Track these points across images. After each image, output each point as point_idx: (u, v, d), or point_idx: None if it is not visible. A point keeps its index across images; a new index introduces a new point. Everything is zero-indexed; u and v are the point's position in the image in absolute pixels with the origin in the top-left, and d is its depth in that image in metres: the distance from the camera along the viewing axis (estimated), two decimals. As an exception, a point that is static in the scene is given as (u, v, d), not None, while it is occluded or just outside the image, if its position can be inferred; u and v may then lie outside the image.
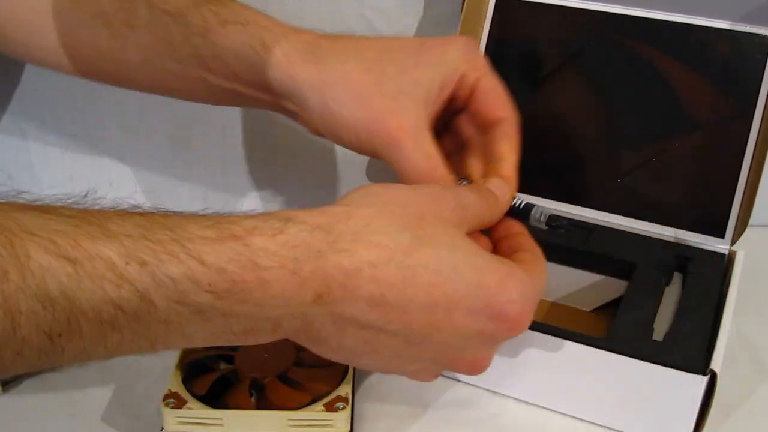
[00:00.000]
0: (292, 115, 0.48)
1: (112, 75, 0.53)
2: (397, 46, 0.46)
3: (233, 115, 0.70)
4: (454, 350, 0.40)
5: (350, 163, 0.73)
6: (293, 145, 0.72)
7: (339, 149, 0.72)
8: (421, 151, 0.43)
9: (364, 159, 0.72)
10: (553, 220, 0.46)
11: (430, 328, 0.37)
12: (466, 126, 0.49)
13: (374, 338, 0.38)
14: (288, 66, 0.44)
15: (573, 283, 0.59)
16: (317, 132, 0.47)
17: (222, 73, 0.47)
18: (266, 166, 0.73)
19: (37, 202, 0.37)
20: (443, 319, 0.37)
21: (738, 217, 0.57)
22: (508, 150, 0.47)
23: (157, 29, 0.48)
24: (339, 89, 0.44)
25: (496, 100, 0.46)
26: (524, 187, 0.63)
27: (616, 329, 0.48)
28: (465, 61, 0.45)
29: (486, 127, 0.47)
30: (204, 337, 0.36)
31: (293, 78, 0.45)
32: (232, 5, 0.48)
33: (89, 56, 0.51)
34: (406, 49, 0.46)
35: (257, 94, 0.47)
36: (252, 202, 0.74)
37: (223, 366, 0.48)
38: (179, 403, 0.43)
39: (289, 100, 0.46)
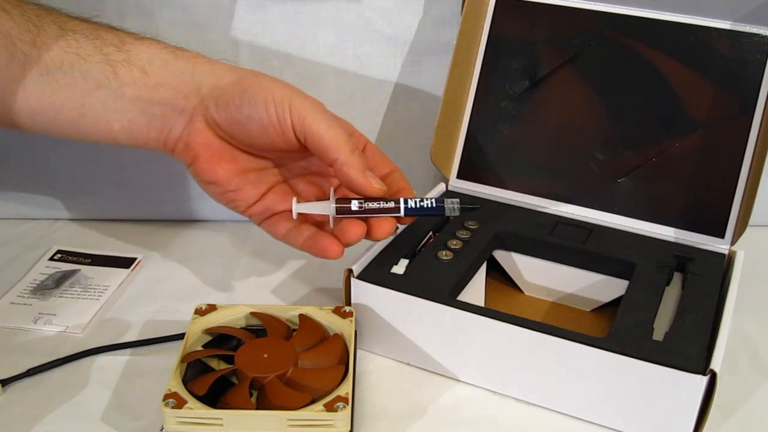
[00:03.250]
0: (198, 109, 0.51)
1: (10, 101, 0.50)
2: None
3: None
4: None
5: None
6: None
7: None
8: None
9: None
10: (465, 203, 0.51)
11: None
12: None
13: None
14: (206, 60, 0.52)
15: (573, 283, 0.59)
16: (228, 119, 0.50)
17: (129, 73, 0.49)
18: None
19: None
20: None
21: (738, 217, 0.57)
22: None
23: (65, 44, 0.49)
24: (258, 74, 0.51)
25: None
26: (525, 187, 0.63)
27: (616, 329, 0.48)
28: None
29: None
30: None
31: (212, 67, 0.52)
32: (136, 36, 0.51)
33: None
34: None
35: (162, 95, 0.50)
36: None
37: (223, 366, 0.49)
38: (179, 403, 0.43)
39: (200, 90, 0.50)
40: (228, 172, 0.51)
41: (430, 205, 0.50)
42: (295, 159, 0.53)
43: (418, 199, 0.50)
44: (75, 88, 0.49)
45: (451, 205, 0.50)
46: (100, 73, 0.49)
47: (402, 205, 0.49)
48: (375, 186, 0.49)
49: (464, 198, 0.60)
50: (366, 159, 0.50)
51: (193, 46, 0.67)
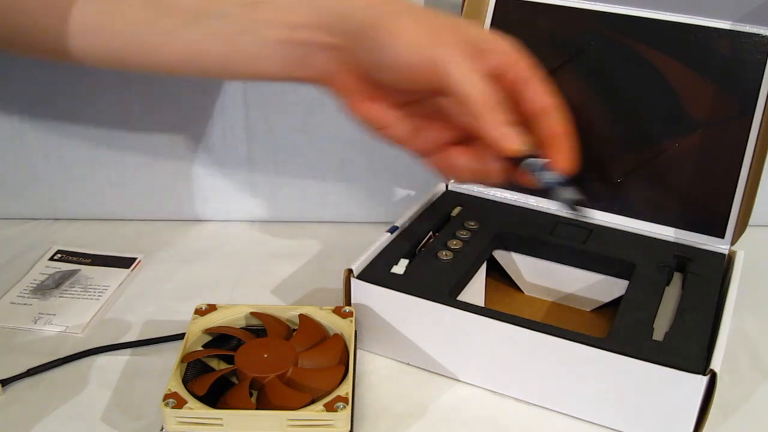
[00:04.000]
0: (335, 56, 0.48)
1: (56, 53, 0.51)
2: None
3: (233, 115, 0.70)
4: None
5: (349, 162, 0.73)
6: (293, 145, 0.72)
7: (339, 152, 0.72)
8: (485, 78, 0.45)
9: (363, 158, 0.72)
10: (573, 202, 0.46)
11: None
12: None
13: None
14: (351, 16, 0.46)
15: (573, 283, 0.59)
16: (365, 62, 0.47)
17: (272, 16, 0.48)
18: (266, 166, 0.73)
19: None
20: None
21: (738, 217, 0.57)
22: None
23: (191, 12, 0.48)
24: (402, 15, 0.46)
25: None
26: (525, 187, 0.63)
27: (617, 329, 0.48)
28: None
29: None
30: None
31: (354, 6, 0.47)
32: None
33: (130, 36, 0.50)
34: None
35: (306, 36, 0.48)
36: (252, 202, 0.74)
37: (223, 366, 0.49)
38: (179, 403, 0.43)
39: (344, 34, 0.47)
40: (376, 111, 0.48)
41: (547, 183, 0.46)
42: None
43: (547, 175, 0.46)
44: (218, 37, 0.48)
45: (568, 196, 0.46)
46: (241, 19, 0.47)
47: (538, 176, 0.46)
48: (511, 146, 0.44)
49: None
50: (515, 97, 0.46)
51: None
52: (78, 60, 0.51)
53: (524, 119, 0.47)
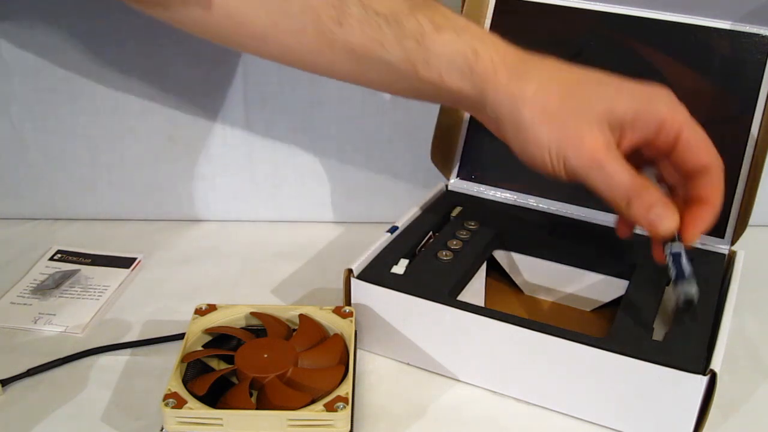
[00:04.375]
0: (484, 120, 0.50)
1: (316, 68, 0.52)
2: (598, 77, 0.47)
3: (233, 115, 0.70)
4: None
5: (349, 162, 0.73)
6: (294, 145, 0.72)
7: (339, 152, 0.72)
8: (623, 166, 0.45)
9: (363, 158, 0.72)
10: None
11: None
12: (668, 173, 0.50)
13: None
14: (494, 77, 0.46)
15: (573, 283, 0.59)
16: (507, 142, 0.48)
17: (428, 74, 0.48)
18: (266, 166, 0.73)
19: None
20: None
21: (738, 217, 0.57)
22: (711, 194, 0.47)
23: (368, 30, 0.48)
24: (536, 108, 0.46)
25: (701, 150, 0.46)
26: (525, 187, 0.63)
27: (616, 329, 0.48)
28: (668, 110, 0.46)
29: (689, 175, 0.48)
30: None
31: (496, 90, 0.47)
32: (443, 11, 0.48)
33: (294, 48, 0.51)
34: (608, 82, 0.47)
35: (456, 97, 0.49)
36: (253, 201, 0.74)
37: (223, 366, 0.49)
38: (179, 403, 0.43)
39: (486, 108, 0.48)
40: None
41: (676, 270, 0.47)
42: None
43: (677, 255, 0.47)
44: (379, 73, 0.49)
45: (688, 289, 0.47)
46: (401, 68, 0.48)
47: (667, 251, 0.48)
48: (661, 231, 0.46)
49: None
50: (675, 157, 0.47)
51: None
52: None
53: (680, 174, 0.48)
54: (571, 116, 0.46)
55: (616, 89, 0.46)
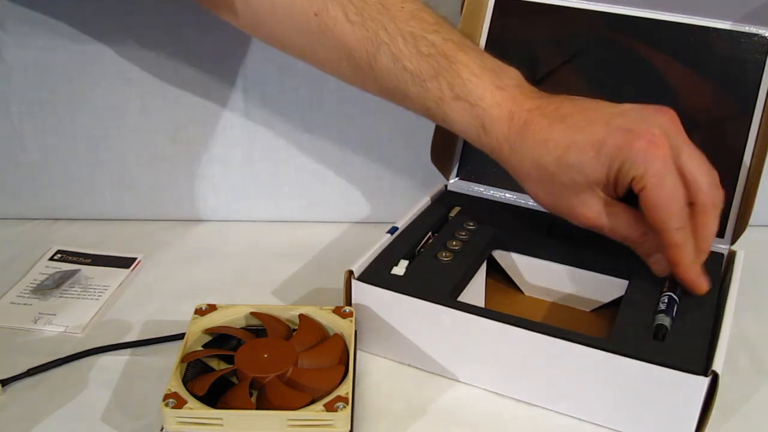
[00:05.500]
0: None
1: (352, 84, 0.58)
2: (582, 140, 0.49)
3: (233, 115, 0.70)
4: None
5: (349, 162, 0.73)
6: (294, 145, 0.72)
7: (339, 152, 0.72)
8: (618, 221, 0.51)
9: (363, 158, 0.72)
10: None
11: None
12: None
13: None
14: (499, 150, 0.52)
15: (573, 283, 0.59)
16: None
17: (445, 126, 0.54)
18: (266, 166, 0.73)
19: None
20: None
21: (738, 217, 0.57)
22: (668, 255, 0.50)
23: (396, 80, 0.53)
24: (532, 181, 0.52)
25: (653, 214, 0.48)
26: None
27: (617, 330, 0.48)
28: (635, 170, 0.48)
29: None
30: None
31: (501, 159, 0.53)
32: (466, 77, 0.52)
33: (329, 71, 0.58)
34: (589, 147, 0.49)
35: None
36: (252, 202, 0.74)
37: (223, 366, 0.48)
38: (179, 403, 0.43)
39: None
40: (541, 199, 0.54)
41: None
42: None
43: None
44: (413, 105, 0.54)
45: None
46: (432, 105, 0.53)
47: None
48: (657, 274, 0.52)
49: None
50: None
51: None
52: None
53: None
54: (561, 190, 0.50)
55: (593, 159, 0.48)
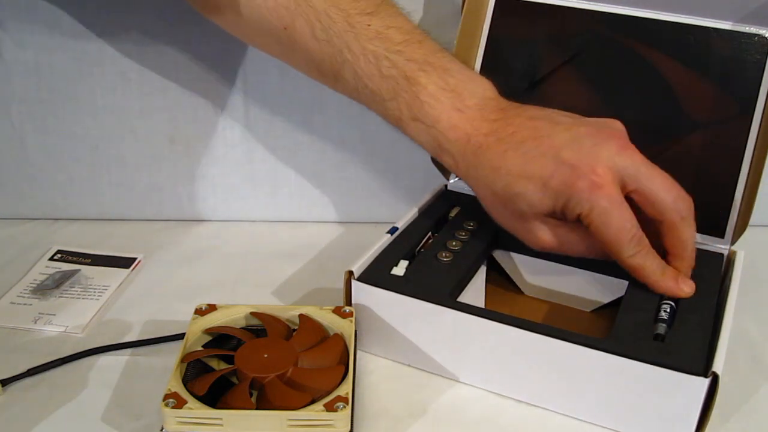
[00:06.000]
0: None
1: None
2: (530, 171, 0.50)
3: (233, 116, 0.70)
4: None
5: (349, 162, 0.73)
6: (294, 145, 0.72)
7: (339, 152, 0.72)
8: (574, 245, 0.52)
9: (363, 158, 0.72)
10: None
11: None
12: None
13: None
14: (456, 169, 0.53)
15: (573, 283, 0.59)
16: None
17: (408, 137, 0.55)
18: (266, 166, 0.73)
19: None
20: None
21: (738, 217, 0.57)
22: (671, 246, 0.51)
23: (359, 95, 0.55)
24: (487, 203, 0.53)
25: (606, 247, 0.50)
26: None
27: (617, 330, 0.48)
28: (581, 208, 0.49)
29: None
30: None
31: (460, 176, 0.54)
32: (424, 98, 0.52)
33: (307, 72, 0.58)
34: (536, 179, 0.49)
35: None
36: (253, 201, 0.74)
37: (223, 366, 0.49)
38: (179, 403, 0.43)
39: None
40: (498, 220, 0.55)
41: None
42: None
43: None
44: (378, 115, 0.56)
45: None
46: (393, 122, 0.55)
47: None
48: (682, 293, 0.51)
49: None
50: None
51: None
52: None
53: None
54: (514, 215, 0.52)
55: (540, 191, 0.49)
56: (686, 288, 0.51)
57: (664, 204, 0.49)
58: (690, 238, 0.50)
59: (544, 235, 0.51)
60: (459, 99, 0.52)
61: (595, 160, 0.48)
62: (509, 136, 0.51)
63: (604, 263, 0.57)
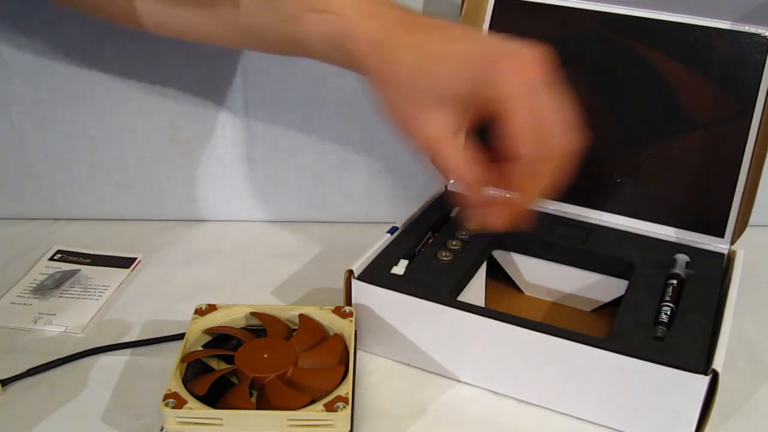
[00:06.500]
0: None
1: (195, 38, 0.57)
2: (449, 51, 0.47)
3: (233, 115, 0.70)
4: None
5: (349, 162, 0.73)
6: (294, 145, 0.72)
7: (339, 152, 0.72)
8: (454, 156, 0.48)
9: (363, 158, 0.72)
10: None
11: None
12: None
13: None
14: (362, 57, 0.49)
15: (573, 283, 0.59)
16: None
17: (304, 52, 0.52)
18: (266, 166, 0.73)
19: None
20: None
21: (738, 217, 0.57)
22: (518, 183, 0.47)
23: (254, 12, 0.52)
24: (390, 91, 0.49)
25: (516, 139, 0.46)
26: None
27: (617, 329, 0.48)
28: (495, 92, 0.46)
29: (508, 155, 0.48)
30: None
31: (362, 68, 0.50)
32: None
33: (174, 25, 0.56)
34: (455, 60, 0.47)
35: (332, 63, 0.52)
36: (253, 201, 0.74)
37: (223, 366, 0.49)
38: (179, 403, 0.43)
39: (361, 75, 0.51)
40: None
41: None
42: None
43: None
44: (270, 37, 0.53)
45: None
46: (288, 26, 0.51)
47: None
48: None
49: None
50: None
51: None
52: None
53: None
54: (416, 99, 0.48)
55: (463, 68, 0.46)
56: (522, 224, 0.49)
57: (525, 141, 0.46)
58: (533, 181, 0.47)
59: (436, 127, 0.48)
60: None
61: (527, 49, 0.46)
62: (425, 19, 0.50)
63: (604, 263, 0.57)
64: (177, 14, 0.55)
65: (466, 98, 0.47)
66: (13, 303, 0.60)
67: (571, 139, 0.46)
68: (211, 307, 0.52)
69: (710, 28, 0.59)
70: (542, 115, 0.46)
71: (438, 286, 0.52)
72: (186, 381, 0.45)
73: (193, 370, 0.47)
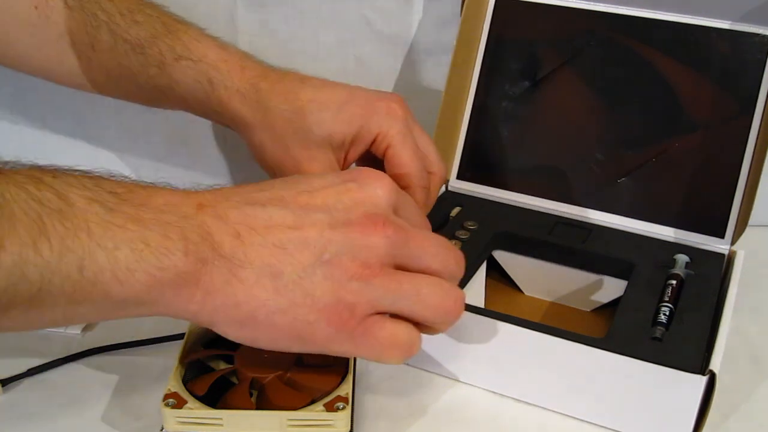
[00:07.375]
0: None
1: (82, 87, 0.59)
2: (324, 97, 0.51)
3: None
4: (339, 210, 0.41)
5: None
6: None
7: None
8: None
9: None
10: None
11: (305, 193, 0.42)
12: None
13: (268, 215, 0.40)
14: (229, 104, 0.52)
15: (573, 283, 0.59)
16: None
17: (176, 100, 0.54)
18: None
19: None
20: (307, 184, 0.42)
21: (738, 217, 0.57)
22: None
23: (118, 55, 0.54)
24: (266, 135, 0.52)
25: (400, 164, 0.51)
26: (525, 187, 0.63)
27: (616, 329, 0.48)
28: (380, 128, 0.51)
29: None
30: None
31: (233, 116, 0.53)
32: (186, 40, 0.53)
33: (58, 72, 0.57)
34: (332, 103, 0.51)
35: (208, 118, 0.56)
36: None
37: (223, 366, 0.49)
38: (179, 403, 0.43)
39: (234, 128, 0.54)
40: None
41: None
42: None
43: None
44: (139, 83, 0.55)
45: None
46: (155, 71, 0.53)
47: None
48: None
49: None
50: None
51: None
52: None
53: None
54: (294, 144, 0.51)
55: (335, 114, 0.51)
56: None
57: (410, 164, 0.52)
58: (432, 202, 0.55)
59: (320, 165, 0.51)
60: (221, 44, 0.53)
61: (388, 96, 0.52)
62: (289, 73, 0.52)
63: (604, 263, 0.57)
64: (52, 60, 0.56)
65: (348, 135, 0.51)
66: (13, 303, 0.60)
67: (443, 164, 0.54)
68: (211, 307, 0.52)
69: (710, 28, 0.58)
70: (421, 142, 0.53)
71: (438, 286, 0.52)
72: (186, 381, 0.45)
73: (193, 370, 0.47)
